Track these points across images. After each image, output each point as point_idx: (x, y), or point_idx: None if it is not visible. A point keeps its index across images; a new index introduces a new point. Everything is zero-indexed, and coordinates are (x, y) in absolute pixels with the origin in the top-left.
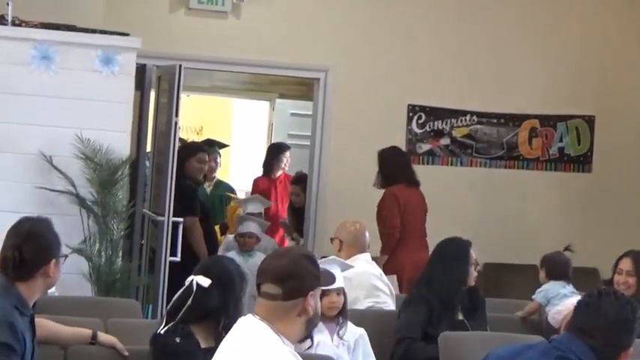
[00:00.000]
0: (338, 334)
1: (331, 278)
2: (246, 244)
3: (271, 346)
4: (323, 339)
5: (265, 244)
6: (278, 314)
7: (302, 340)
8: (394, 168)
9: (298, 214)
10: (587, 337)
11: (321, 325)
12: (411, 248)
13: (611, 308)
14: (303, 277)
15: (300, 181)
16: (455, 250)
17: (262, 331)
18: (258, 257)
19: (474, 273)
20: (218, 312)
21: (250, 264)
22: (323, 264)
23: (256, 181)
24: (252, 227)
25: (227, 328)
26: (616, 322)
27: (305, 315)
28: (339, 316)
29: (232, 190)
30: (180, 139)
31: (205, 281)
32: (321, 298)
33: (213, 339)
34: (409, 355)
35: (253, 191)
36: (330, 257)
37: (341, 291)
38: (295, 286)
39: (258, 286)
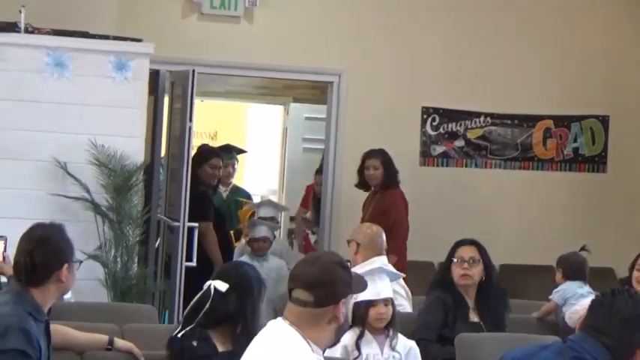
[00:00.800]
0: (390, 345)
1: (363, 285)
2: (260, 249)
3: (300, 352)
4: (372, 352)
5: (278, 247)
6: (308, 320)
7: (332, 345)
8: (395, 171)
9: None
10: (602, 335)
11: (369, 337)
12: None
13: (624, 306)
14: (335, 285)
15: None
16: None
17: (292, 337)
18: (272, 261)
19: (458, 271)
20: (236, 317)
21: (265, 268)
22: (372, 274)
23: (308, 187)
24: (264, 231)
25: (244, 333)
26: (630, 320)
27: (335, 322)
28: (389, 327)
29: (249, 196)
30: (200, 146)
31: (223, 286)
32: (368, 309)
33: (230, 343)
34: (426, 357)
35: (305, 196)
36: (377, 266)
37: (389, 301)
38: (327, 293)
39: (290, 291)
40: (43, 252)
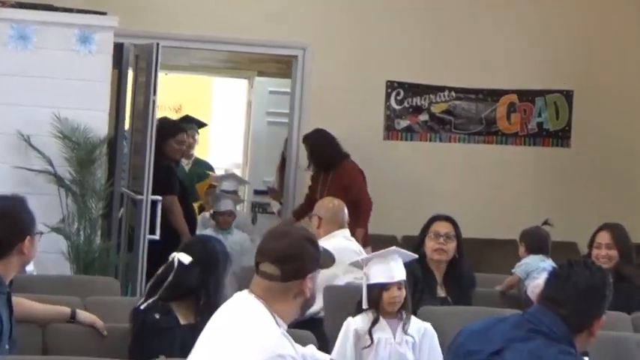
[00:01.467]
0: (403, 329)
1: (331, 260)
2: (225, 222)
3: (265, 325)
4: (384, 336)
5: (241, 220)
6: (275, 294)
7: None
8: (336, 145)
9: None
10: (558, 307)
11: (382, 322)
12: None
13: (581, 277)
14: (303, 260)
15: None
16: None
17: (257, 310)
18: (237, 235)
19: (431, 245)
20: (198, 290)
21: (230, 241)
22: (385, 256)
23: None
24: (229, 205)
25: (207, 306)
26: (586, 291)
27: (302, 297)
28: (402, 310)
29: (211, 168)
30: (162, 119)
31: (187, 258)
32: (380, 293)
33: (192, 316)
34: None
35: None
36: (392, 248)
37: (402, 284)
38: (295, 268)
39: (257, 264)
40: (5, 225)
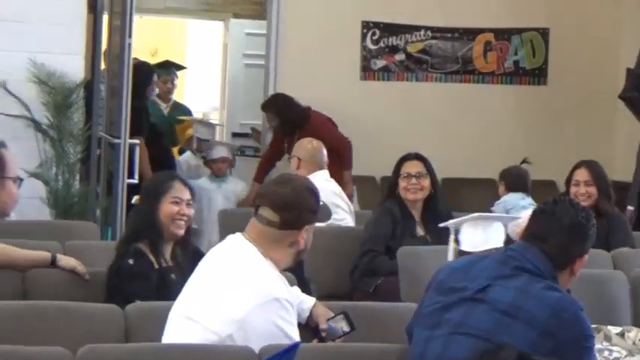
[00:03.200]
0: None
1: (328, 214)
2: (219, 170)
3: (261, 268)
4: None
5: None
6: (269, 240)
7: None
8: (298, 104)
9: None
10: (542, 243)
11: None
12: None
13: (565, 214)
14: (303, 210)
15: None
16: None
17: (252, 253)
18: (232, 182)
19: (405, 186)
20: (149, 228)
21: (224, 189)
22: (473, 226)
23: None
24: (223, 152)
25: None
26: (570, 227)
27: (296, 246)
28: None
29: (189, 112)
30: (141, 62)
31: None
32: None
33: (160, 258)
34: (372, 268)
35: None
36: (476, 214)
37: None
38: (293, 217)
39: (257, 207)
40: None
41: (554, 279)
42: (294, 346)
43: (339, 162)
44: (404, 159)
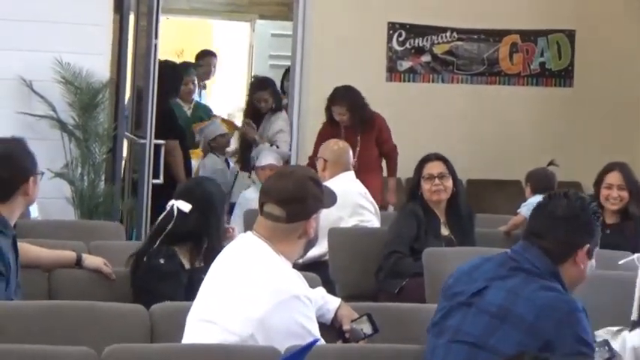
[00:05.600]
0: None
1: (334, 199)
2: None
3: (278, 266)
4: None
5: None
6: (279, 235)
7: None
8: (363, 108)
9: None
10: (540, 239)
11: None
12: None
13: (558, 206)
14: (307, 200)
15: (268, 84)
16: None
17: (263, 250)
18: None
19: (428, 187)
20: (200, 234)
21: None
22: None
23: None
24: (272, 158)
25: (211, 249)
26: (564, 219)
27: (306, 237)
28: None
29: (210, 112)
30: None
31: (186, 206)
32: None
33: (195, 259)
34: (397, 270)
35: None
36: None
37: None
38: (299, 209)
39: (261, 205)
40: (8, 167)
41: (556, 275)
42: (311, 344)
43: (388, 168)
44: (425, 160)
